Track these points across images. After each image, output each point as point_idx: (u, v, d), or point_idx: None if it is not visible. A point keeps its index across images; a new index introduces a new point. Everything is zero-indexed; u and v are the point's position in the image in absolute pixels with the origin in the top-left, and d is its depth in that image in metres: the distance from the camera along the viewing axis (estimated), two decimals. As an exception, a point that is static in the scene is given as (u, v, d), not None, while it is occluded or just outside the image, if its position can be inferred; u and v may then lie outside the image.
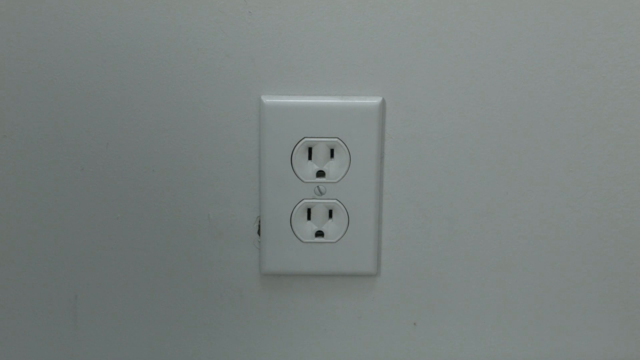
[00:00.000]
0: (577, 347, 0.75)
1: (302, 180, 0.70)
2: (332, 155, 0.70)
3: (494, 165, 0.71)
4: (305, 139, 0.69)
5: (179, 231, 0.72)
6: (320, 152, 0.69)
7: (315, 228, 0.71)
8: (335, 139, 0.69)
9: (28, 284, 0.73)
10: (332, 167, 0.70)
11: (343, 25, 0.67)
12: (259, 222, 0.72)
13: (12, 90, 0.69)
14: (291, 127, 0.69)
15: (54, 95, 0.69)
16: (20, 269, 0.73)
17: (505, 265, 0.73)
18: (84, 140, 0.70)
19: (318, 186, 0.70)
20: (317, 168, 0.70)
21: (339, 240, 0.71)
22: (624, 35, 0.68)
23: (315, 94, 0.69)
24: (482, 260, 0.73)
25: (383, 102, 0.69)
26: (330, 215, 0.71)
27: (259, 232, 0.72)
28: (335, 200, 0.70)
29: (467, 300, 0.74)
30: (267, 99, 0.69)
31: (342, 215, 0.71)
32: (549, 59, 0.68)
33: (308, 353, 0.76)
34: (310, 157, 0.70)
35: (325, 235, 0.72)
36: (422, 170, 0.71)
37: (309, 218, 0.71)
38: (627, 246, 0.73)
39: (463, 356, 0.76)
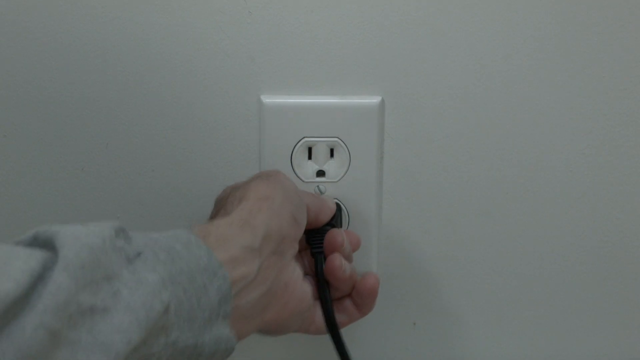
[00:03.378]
0: (577, 347, 0.75)
1: (302, 180, 0.70)
2: (332, 155, 0.70)
3: (494, 165, 0.71)
4: (305, 139, 0.69)
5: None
6: (320, 151, 0.69)
7: (316, 228, 0.71)
8: (335, 139, 0.69)
9: (28, 284, 0.73)
10: (332, 167, 0.70)
11: (343, 25, 0.68)
12: (259, 222, 0.72)
13: (12, 90, 0.69)
14: (291, 127, 0.69)
15: (54, 95, 0.69)
16: (20, 269, 0.73)
17: (505, 265, 0.73)
18: (84, 140, 0.70)
19: (318, 186, 0.70)
20: (317, 168, 0.70)
21: (339, 240, 0.71)
22: (624, 35, 0.68)
23: (315, 94, 0.69)
24: (482, 260, 0.73)
25: (382, 102, 0.69)
26: (330, 215, 0.71)
27: (259, 232, 0.72)
28: (335, 200, 0.70)
29: (467, 300, 0.74)
30: (267, 99, 0.69)
31: (342, 215, 0.71)
32: (548, 58, 0.68)
33: (308, 353, 0.75)
34: (310, 157, 0.70)
35: (325, 235, 0.72)
36: (422, 170, 0.71)
37: (309, 218, 0.71)
38: (627, 246, 0.73)
39: (463, 356, 0.76)
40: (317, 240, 0.65)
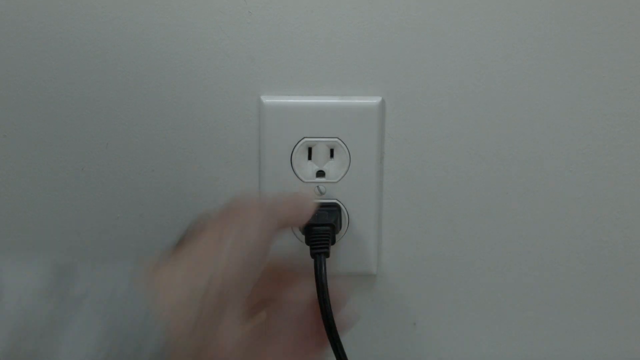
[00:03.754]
0: (577, 347, 0.75)
1: (302, 180, 0.70)
2: (332, 155, 0.70)
3: (494, 165, 0.71)
4: (305, 139, 0.69)
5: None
6: (320, 152, 0.69)
7: (315, 228, 0.71)
8: (335, 139, 0.69)
9: (28, 283, 0.73)
10: (332, 167, 0.70)
11: (343, 25, 0.68)
12: (259, 222, 0.72)
13: (12, 90, 0.69)
14: (291, 127, 0.69)
15: (54, 95, 0.69)
16: (20, 269, 0.73)
17: (505, 265, 0.73)
18: (84, 140, 0.70)
19: (318, 186, 0.70)
20: (317, 168, 0.70)
21: (339, 240, 0.71)
22: (624, 35, 0.68)
23: (315, 94, 0.69)
24: (482, 260, 0.73)
25: (383, 102, 0.69)
26: (331, 216, 0.71)
27: (259, 232, 0.72)
28: (335, 201, 0.70)
29: (467, 300, 0.74)
30: (267, 99, 0.69)
31: (342, 215, 0.71)
32: (548, 58, 0.68)
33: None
34: (310, 157, 0.70)
35: (325, 235, 0.72)
36: (422, 170, 0.71)
37: (309, 218, 0.71)
38: (627, 246, 0.73)
39: (463, 356, 0.76)
40: (316, 241, 0.65)
